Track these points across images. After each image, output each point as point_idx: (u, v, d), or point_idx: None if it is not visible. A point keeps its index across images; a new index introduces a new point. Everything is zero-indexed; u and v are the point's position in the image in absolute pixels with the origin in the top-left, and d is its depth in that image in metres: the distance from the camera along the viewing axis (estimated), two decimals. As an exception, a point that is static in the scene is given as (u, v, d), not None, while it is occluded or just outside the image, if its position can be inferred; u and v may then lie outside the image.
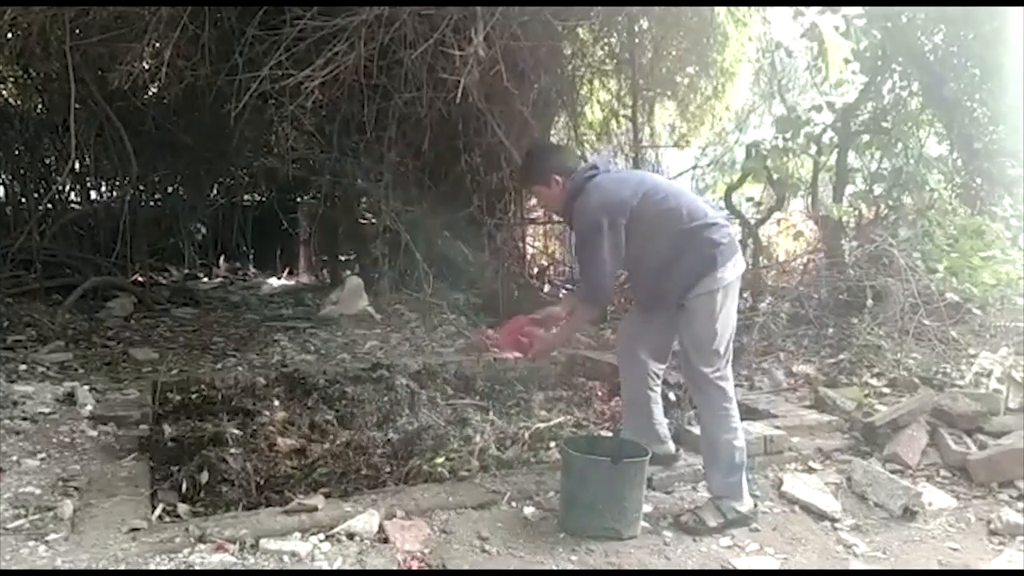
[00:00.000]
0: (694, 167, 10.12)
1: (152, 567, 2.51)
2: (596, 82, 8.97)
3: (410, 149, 7.11)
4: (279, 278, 10.62)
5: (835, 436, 3.98)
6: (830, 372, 4.82)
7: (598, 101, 9.45)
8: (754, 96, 10.72)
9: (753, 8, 8.35)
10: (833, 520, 3.18)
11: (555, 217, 9.12)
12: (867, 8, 6.19)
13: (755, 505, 3.14)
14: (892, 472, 3.51)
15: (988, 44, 6.41)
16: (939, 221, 5.22)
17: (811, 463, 3.71)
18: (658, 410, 3.45)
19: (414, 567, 2.62)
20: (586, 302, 3.37)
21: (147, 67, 5.24)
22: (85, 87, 5.87)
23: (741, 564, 2.78)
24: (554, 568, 2.69)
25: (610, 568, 2.72)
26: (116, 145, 6.81)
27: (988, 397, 4.01)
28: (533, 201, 7.92)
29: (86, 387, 4.32)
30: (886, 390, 4.50)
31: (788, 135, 6.65)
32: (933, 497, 3.34)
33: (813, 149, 7.04)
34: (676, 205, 3.13)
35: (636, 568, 2.73)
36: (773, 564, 2.80)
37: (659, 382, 3.44)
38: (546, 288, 8.07)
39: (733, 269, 3.11)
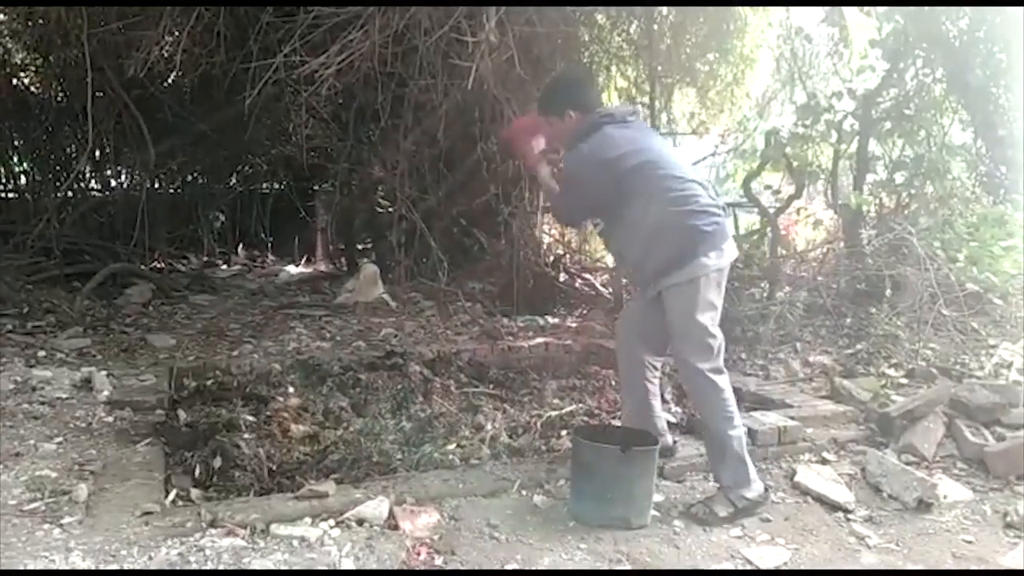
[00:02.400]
0: (713, 154, 10.02)
1: (163, 550, 2.53)
2: (614, 68, 8.88)
3: (425, 137, 7.09)
4: (297, 266, 10.66)
5: (850, 427, 3.95)
6: (847, 362, 4.77)
7: (616, 88, 9.38)
8: (775, 83, 10.58)
9: (772, -2, 8.23)
10: (846, 511, 3.16)
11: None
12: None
13: (765, 489, 3.12)
14: (907, 463, 3.48)
15: (1015, 29, 6.29)
16: (960, 210, 5.13)
17: (825, 454, 3.68)
18: (657, 403, 3.41)
19: (423, 553, 2.63)
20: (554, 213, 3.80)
21: (164, 55, 5.27)
22: (103, 75, 5.91)
23: (751, 554, 2.76)
24: (563, 557, 2.69)
25: (618, 557, 2.71)
26: (134, 133, 6.85)
27: (1007, 389, 3.95)
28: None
29: (103, 373, 4.36)
30: (904, 381, 4.45)
31: (808, 122, 6.57)
32: (949, 489, 3.30)
33: (834, 137, 6.95)
34: (671, 184, 3.03)
35: (644, 558, 2.72)
36: (784, 554, 2.78)
37: (657, 374, 3.39)
38: (562, 277, 8.03)
39: (717, 258, 3.03)
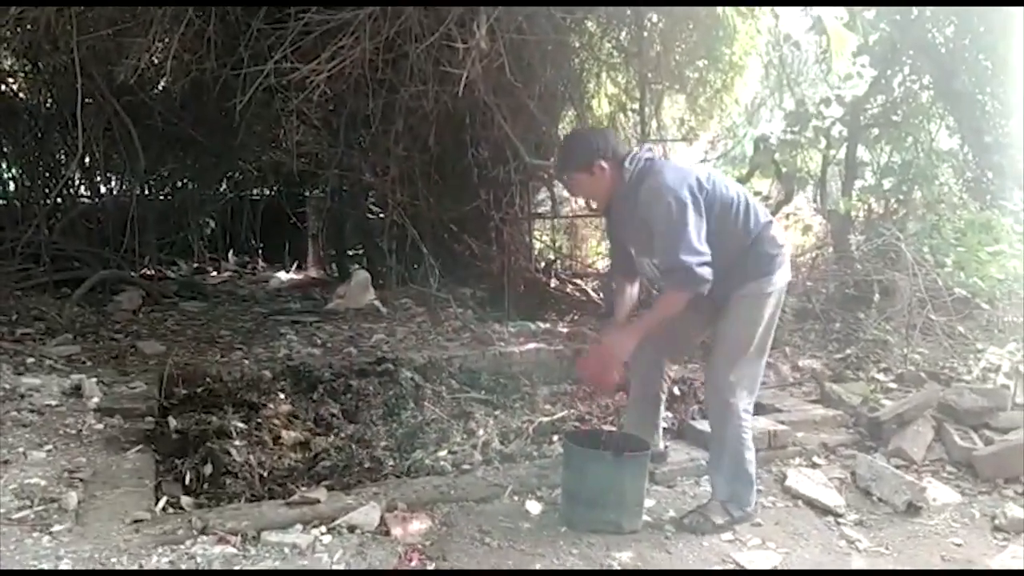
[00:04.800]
0: (703, 161, 10.06)
1: (154, 558, 2.53)
2: (604, 75, 8.92)
3: (416, 143, 7.10)
4: (287, 272, 10.65)
5: (840, 431, 3.98)
6: (836, 367, 4.80)
7: (606, 95, 9.42)
8: (763, 89, 10.65)
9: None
10: (836, 515, 3.18)
11: (565, 212, 9.16)
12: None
13: (755, 500, 3.12)
14: (897, 467, 3.50)
15: (1000, 36, 6.36)
16: (948, 216, 5.17)
17: (815, 458, 3.70)
18: (663, 408, 3.42)
19: (414, 559, 2.63)
20: (678, 287, 2.83)
21: (154, 61, 5.25)
22: (93, 81, 5.88)
23: (742, 559, 2.77)
24: (555, 562, 2.69)
25: (610, 562, 2.71)
26: (124, 139, 6.83)
27: (995, 393, 3.98)
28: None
29: (93, 380, 4.33)
30: (893, 385, 4.48)
31: (797, 129, 6.62)
32: (938, 492, 3.33)
33: (822, 143, 7.00)
34: (739, 199, 2.97)
35: (635, 563, 2.73)
36: (775, 559, 2.79)
37: (668, 382, 3.40)
38: (553, 282, 8.05)
39: (783, 276, 3.01)
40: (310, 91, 4.92)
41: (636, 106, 8.35)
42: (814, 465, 3.64)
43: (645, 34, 7.80)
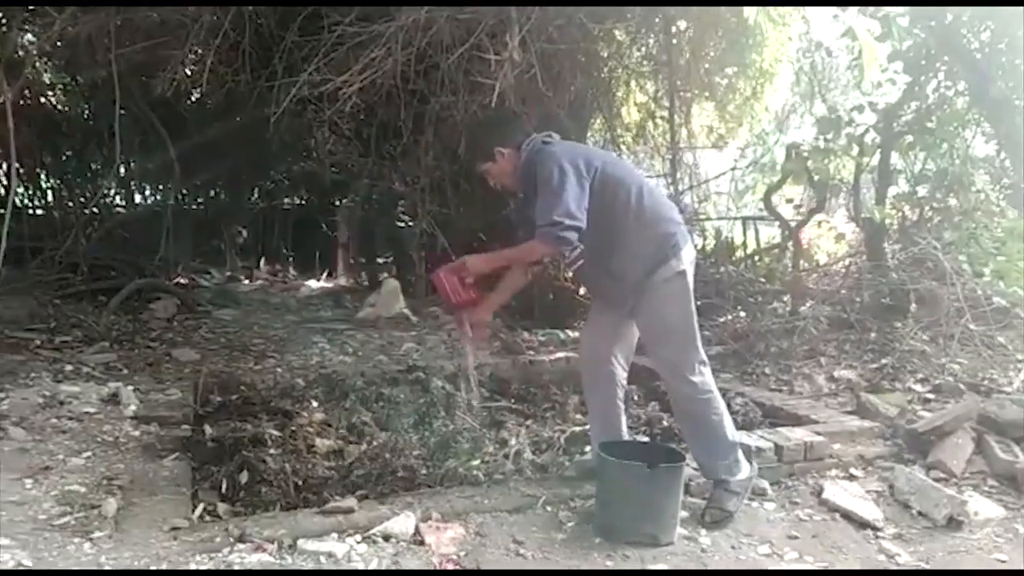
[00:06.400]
0: (733, 168, 10.00)
1: (192, 566, 2.55)
2: (633, 83, 8.91)
3: (446, 153, 7.14)
4: (318, 280, 10.76)
5: (877, 443, 3.90)
6: (872, 377, 4.73)
7: (635, 103, 9.41)
8: (794, 96, 10.57)
9: (791, 8, 8.24)
10: (875, 528, 3.11)
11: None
12: (911, 8, 6.07)
13: (752, 464, 3.18)
14: (936, 480, 3.43)
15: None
16: (986, 223, 5.09)
17: (852, 470, 3.64)
18: (624, 420, 3.38)
19: (449, 569, 2.63)
20: (542, 239, 2.90)
21: (189, 74, 5.34)
22: (130, 94, 6.00)
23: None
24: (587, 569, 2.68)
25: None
26: (159, 150, 6.95)
27: (1036, 404, 3.90)
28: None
29: (130, 387, 4.41)
30: (930, 396, 4.41)
31: (830, 136, 6.55)
32: (979, 506, 3.25)
33: (855, 150, 6.93)
34: (635, 183, 3.07)
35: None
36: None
37: (624, 390, 3.35)
38: (582, 291, 8.02)
39: (689, 251, 3.09)
40: (342, 102, 4.98)
41: (665, 114, 8.34)
42: (851, 477, 3.58)
43: (674, 42, 7.78)
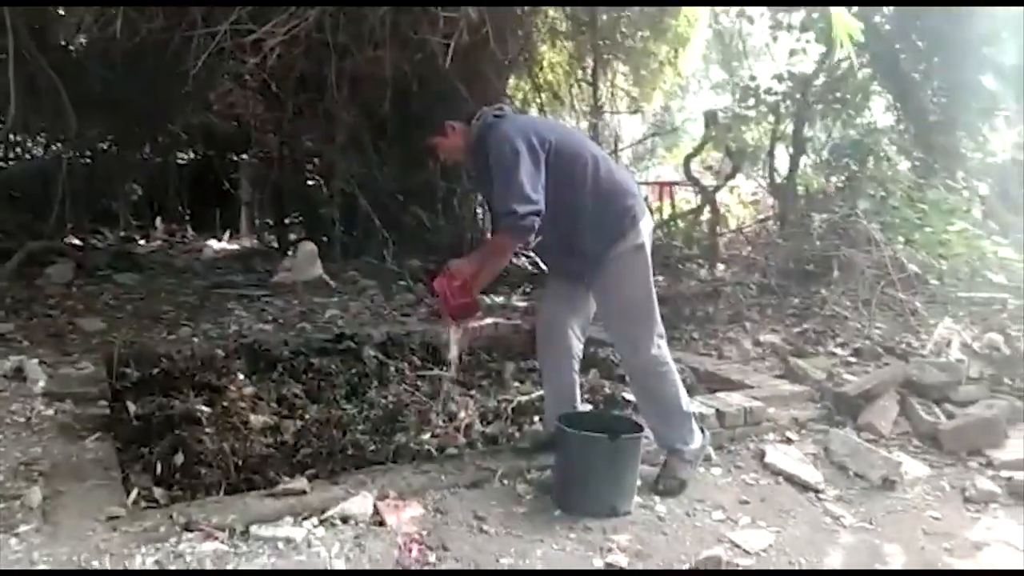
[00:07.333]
0: (654, 135, 10.11)
1: (138, 559, 2.37)
2: (553, 43, 8.82)
3: (365, 110, 6.87)
4: (220, 241, 10.25)
5: (808, 406, 4.05)
6: (796, 341, 4.89)
7: (552, 64, 9.32)
8: (707, 63, 10.75)
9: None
10: (816, 491, 3.23)
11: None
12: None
13: (703, 432, 3.24)
14: (866, 441, 3.59)
15: (945, 19, 6.53)
16: (906, 194, 5.31)
17: (788, 433, 3.76)
18: (579, 391, 3.37)
19: (415, 550, 2.55)
20: (505, 233, 2.90)
21: (95, 19, 4.84)
22: (17, 36, 5.41)
23: (737, 537, 2.78)
24: (554, 547, 2.66)
25: (609, 546, 2.69)
26: (50, 99, 6.34)
27: (952, 367, 4.12)
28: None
29: (35, 361, 4.05)
30: (852, 360, 4.60)
31: (750, 104, 6.69)
32: (908, 466, 3.42)
33: (771, 118, 7.11)
34: (589, 154, 3.03)
35: (634, 545, 2.71)
36: (768, 537, 2.81)
37: (578, 360, 3.33)
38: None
39: (647, 224, 3.09)
40: (264, 55, 4.67)
41: (582, 76, 8.32)
42: (788, 440, 3.70)
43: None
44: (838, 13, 2.72)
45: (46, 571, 2.13)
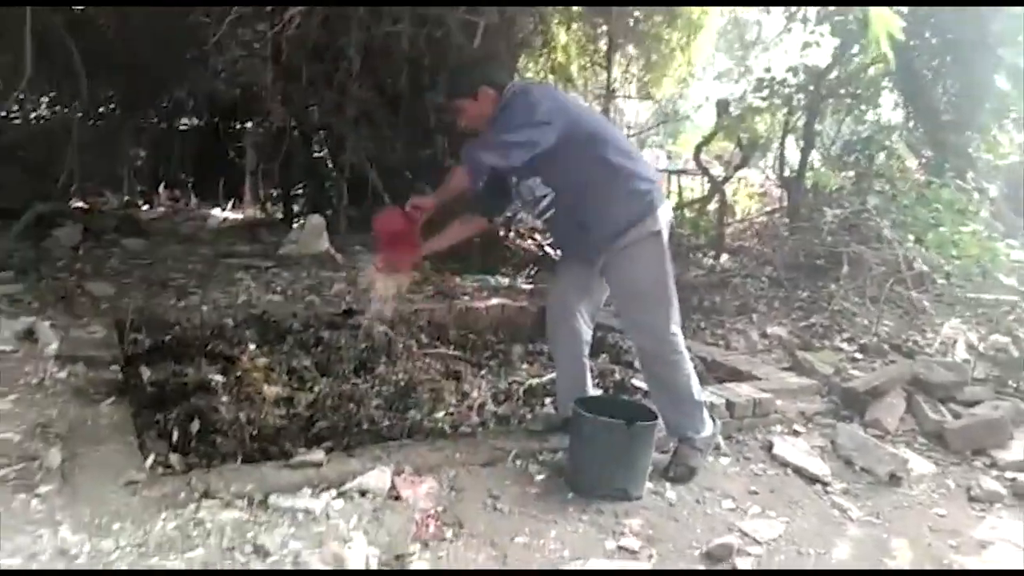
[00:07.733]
0: (664, 121, 10.08)
1: (159, 523, 2.38)
2: (569, 25, 8.76)
3: (377, 84, 6.83)
4: (223, 210, 10.19)
5: (815, 400, 4.07)
6: (803, 335, 4.92)
7: (565, 46, 9.26)
8: (718, 52, 10.70)
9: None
10: (824, 483, 3.27)
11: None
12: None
13: (714, 421, 3.26)
14: (872, 437, 3.62)
15: (959, 17, 6.51)
16: (905, 190, 5.32)
17: (796, 426, 3.79)
18: (590, 376, 3.40)
19: (431, 526, 2.58)
20: (464, 163, 2.90)
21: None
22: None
23: (748, 527, 2.82)
24: (567, 529, 2.69)
25: (621, 530, 2.72)
26: (60, 59, 6.27)
27: (958, 367, 4.16)
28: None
29: (47, 323, 4.05)
30: (858, 355, 4.63)
31: (764, 95, 6.67)
32: (914, 463, 3.46)
33: (784, 109, 7.09)
34: (607, 133, 3.05)
35: (645, 531, 2.74)
36: (778, 527, 2.85)
37: (588, 346, 3.36)
38: (510, 235, 7.98)
39: (665, 211, 3.06)
40: (284, 24, 4.63)
41: (595, 59, 8.28)
42: (795, 433, 3.73)
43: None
44: (879, 11, 2.71)
45: (46, 571, 2.14)
